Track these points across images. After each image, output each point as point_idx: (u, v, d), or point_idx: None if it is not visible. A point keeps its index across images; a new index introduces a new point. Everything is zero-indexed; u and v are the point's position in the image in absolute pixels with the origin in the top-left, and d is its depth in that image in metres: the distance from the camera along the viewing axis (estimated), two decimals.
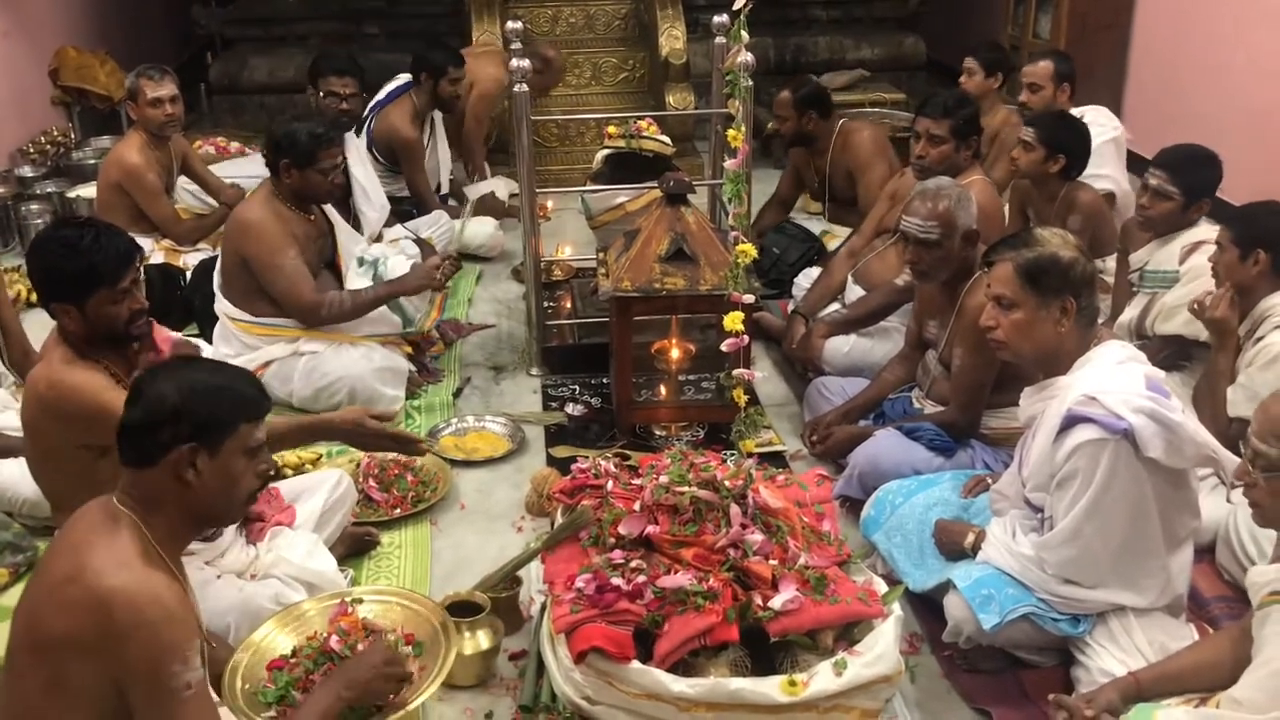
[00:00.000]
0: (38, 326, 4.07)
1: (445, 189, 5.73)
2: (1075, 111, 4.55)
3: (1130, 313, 3.74)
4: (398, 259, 4.58)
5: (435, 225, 5.26)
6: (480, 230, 5.50)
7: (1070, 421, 2.48)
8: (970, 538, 2.77)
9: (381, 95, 5.45)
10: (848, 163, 4.91)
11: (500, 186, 6.04)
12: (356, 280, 4.26)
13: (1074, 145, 4.12)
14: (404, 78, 5.43)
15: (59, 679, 1.83)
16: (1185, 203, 3.60)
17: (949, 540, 2.83)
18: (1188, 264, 3.58)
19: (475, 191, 5.78)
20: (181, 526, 1.98)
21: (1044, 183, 4.18)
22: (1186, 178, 3.59)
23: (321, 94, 4.75)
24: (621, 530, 2.55)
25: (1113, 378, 2.51)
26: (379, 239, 4.85)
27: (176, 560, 1.99)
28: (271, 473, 2.12)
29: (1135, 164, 4.77)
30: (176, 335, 3.00)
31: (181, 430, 1.91)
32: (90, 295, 2.53)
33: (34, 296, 4.90)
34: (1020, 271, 2.60)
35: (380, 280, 4.29)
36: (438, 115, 5.54)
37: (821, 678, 2.30)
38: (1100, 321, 2.70)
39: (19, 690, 1.89)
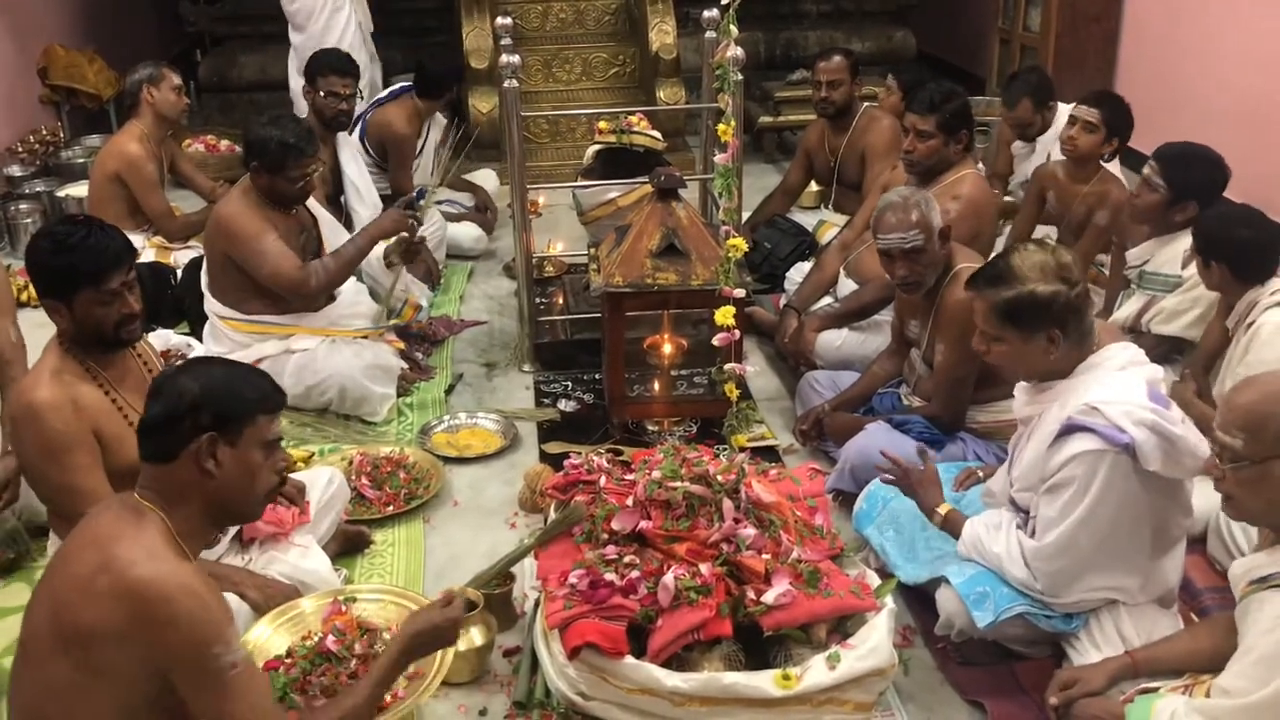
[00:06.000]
0: (32, 327, 4.06)
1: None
2: (1065, 107, 4.55)
3: (1127, 310, 3.70)
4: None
5: (427, 224, 5.26)
6: (465, 234, 5.54)
7: (1070, 429, 2.44)
8: (943, 512, 2.73)
9: (383, 93, 5.51)
10: (864, 147, 4.92)
11: (490, 179, 6.04)
12: None
13: (1127, 129, 4.17)
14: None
15: (92, 669, 1.84)
16: (1171, 199, 3.53)
17: (909, 488, 2.78)
18: (1190, 269, 3.53)
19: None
20: (201, 522, 1.99)
21: (1084, 165, 4.17)
22: (1177, 173, 3.52)
23: (322, 93, 4.76)
24: (614, 526, 2.56)
25: (1115, 386, 2.46)
26: None
27: (195, 556, 2.00)
28: (288, 470, 2.13)
29: (1129, 158, 4.78)
30: None
31: (202, 420, 1.93)
32: (76, 293, 2.52)
33: (25, 295, 4.93)
34: (997, 312, 2.54)
35: (361, 272, 4.30)
36: (434, 123, 5.54)
37: (815, 671, 2.30)
38: (1094, 313, 2.67)
39: (40, 683, 1.88)
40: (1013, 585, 2.58)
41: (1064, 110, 4.58)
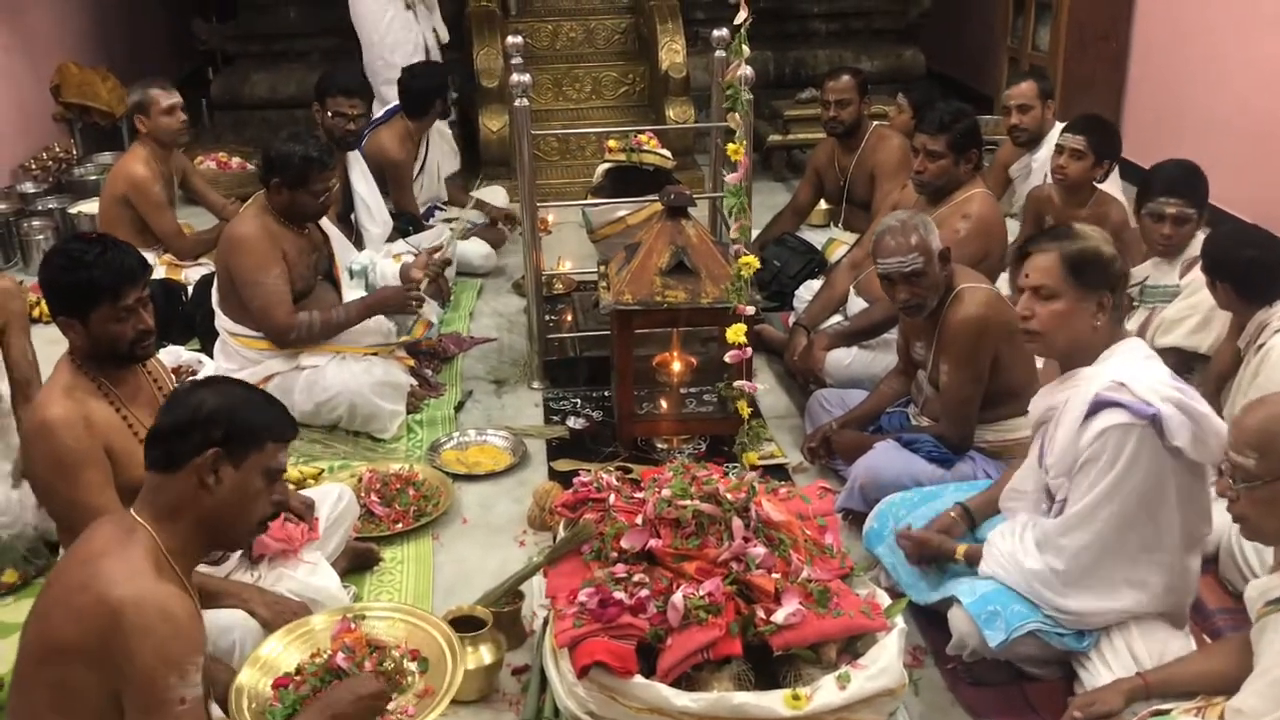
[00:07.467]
0: (43, 343, 4.08)
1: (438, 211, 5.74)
2: (1060, 126, 4.58)
3: (1128, 327, 3.73)
4: (386, 262, 4.59)
5: (438, 239, 5.28)
6: (475, 251, 5.56)
7: (1097, 406, 2.46)
8: (960, 552, 2.75)
9: (379, 114, 5.50)
10: (873, 166, 4.94)
11: (499, 196, 6.06)
12: (351, 291, 4.28)
13: (1116, 150, 4.23)
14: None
15: (65, 688, 1.82)
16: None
17: (927, 553, 2.81)
18: (1188, 277, 3.59)
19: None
20: (193, 540, 1.98)
21: (1078, 190, 4.20)
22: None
23: (330, 113, 4.79)
24: (624, 544, 2.55)
25: (1140, 368, 2.50)
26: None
27: (188, 574, 2.00)
28: (283, 503, 2.13)
29: (1130, 173, 4.78)
30: None
31: (212, 435, 1.94)
32: (92, 310, 2.53)
33: (38, 311, 4.94)
34: (1065, 261, 2.56)
35: (373, 288, 4.30)
36: (434, 135, 5.55)
37: (825, 691, 2.29)
38: None
39: (26, 702, 1.88)
40: (1024, 602, 2.57)
41: (1059, 129, 4.60)
